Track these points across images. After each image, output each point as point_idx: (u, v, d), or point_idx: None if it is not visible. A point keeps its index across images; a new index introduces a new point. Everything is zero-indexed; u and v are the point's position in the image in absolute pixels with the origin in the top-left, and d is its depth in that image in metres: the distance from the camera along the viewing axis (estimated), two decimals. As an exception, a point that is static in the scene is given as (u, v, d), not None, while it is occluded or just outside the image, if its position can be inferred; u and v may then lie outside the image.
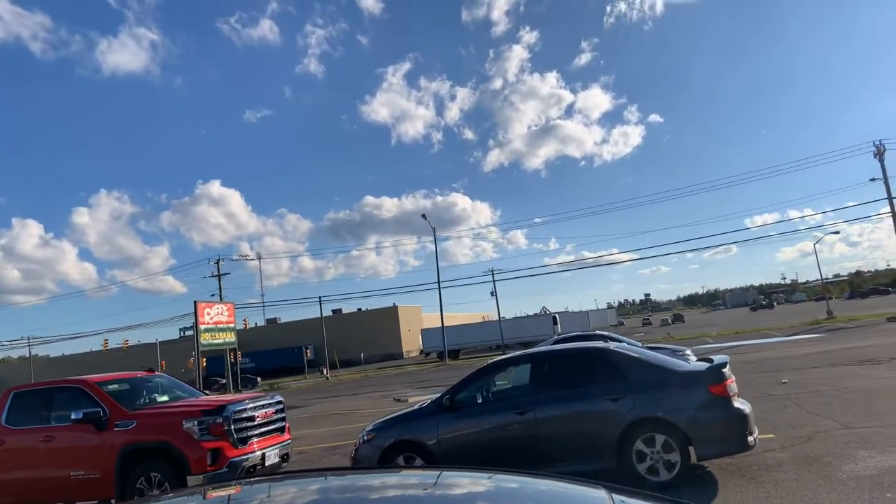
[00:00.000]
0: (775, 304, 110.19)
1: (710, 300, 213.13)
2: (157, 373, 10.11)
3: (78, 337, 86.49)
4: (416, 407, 8.10)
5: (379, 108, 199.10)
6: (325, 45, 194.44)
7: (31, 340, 71.74)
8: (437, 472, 1.70)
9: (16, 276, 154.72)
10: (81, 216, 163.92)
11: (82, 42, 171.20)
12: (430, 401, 7.89)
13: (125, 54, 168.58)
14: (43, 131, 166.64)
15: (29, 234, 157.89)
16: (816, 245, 60.18)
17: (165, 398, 9.04)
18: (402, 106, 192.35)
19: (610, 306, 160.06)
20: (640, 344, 13.43)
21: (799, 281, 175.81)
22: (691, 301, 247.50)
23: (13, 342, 71.09)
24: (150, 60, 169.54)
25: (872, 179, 41.07)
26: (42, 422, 8.31)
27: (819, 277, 67.53)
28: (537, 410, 6.94)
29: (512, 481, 1.57)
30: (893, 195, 39.76)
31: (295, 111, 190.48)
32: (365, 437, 7.64)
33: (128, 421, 7.78)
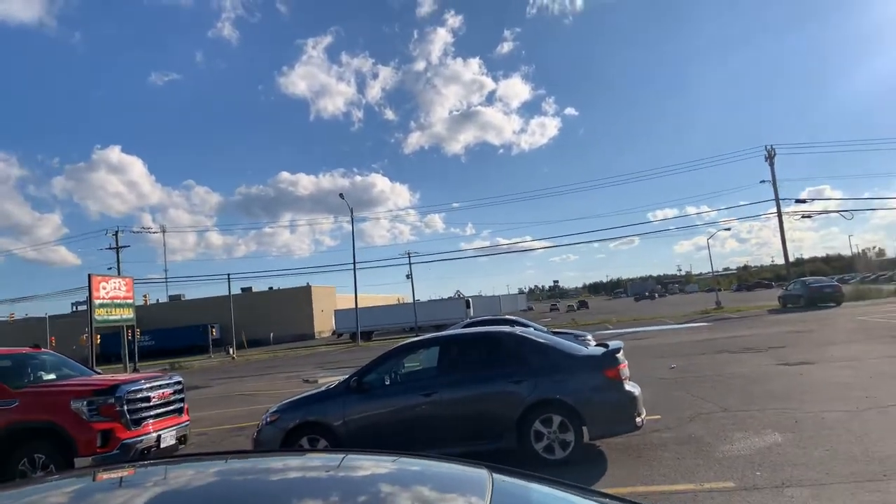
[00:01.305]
0: (656, 295, 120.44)
1: (612, 288, 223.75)
2: (44, 349, 9.47)
3: (-44, 309, 78.61)
4: (323, 388, 8.05)
5: (297, 81, 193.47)
6: (240, 9, 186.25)
7: None
8: (341, 456, 1.72)
9: None
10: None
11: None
12: (337, 382, 7.86)
13: (16, 2, 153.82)
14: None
15: None
16: (710, 240, 64.92)
17: (53, 376, 8.50)
18: (321, 80, 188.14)
19: (521, 291, 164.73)
20: (545, 329, 13.94)
21: (693, 272, 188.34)
22: (596, 289, 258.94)
23: None
24: (46, 12, 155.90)
25: (762, 181, 44.38)
26: None
27: (711, 270, 72.57)
28: (443, 392, 7.08)
29: (408, 463, 1.62)
30: (780, 197, 43.19)
31: (206, 77, 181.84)
32: (268, 419, 7.51)
33: (10, 400, 7.29)
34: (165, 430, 7.95)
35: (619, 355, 7.13)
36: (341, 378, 8.04)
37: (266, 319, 73.20)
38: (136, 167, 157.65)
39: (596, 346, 8.56)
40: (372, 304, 63.58)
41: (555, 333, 11.49)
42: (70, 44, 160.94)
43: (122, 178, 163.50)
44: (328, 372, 22.85)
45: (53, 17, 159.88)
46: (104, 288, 35.59)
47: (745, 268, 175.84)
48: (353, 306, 52.52)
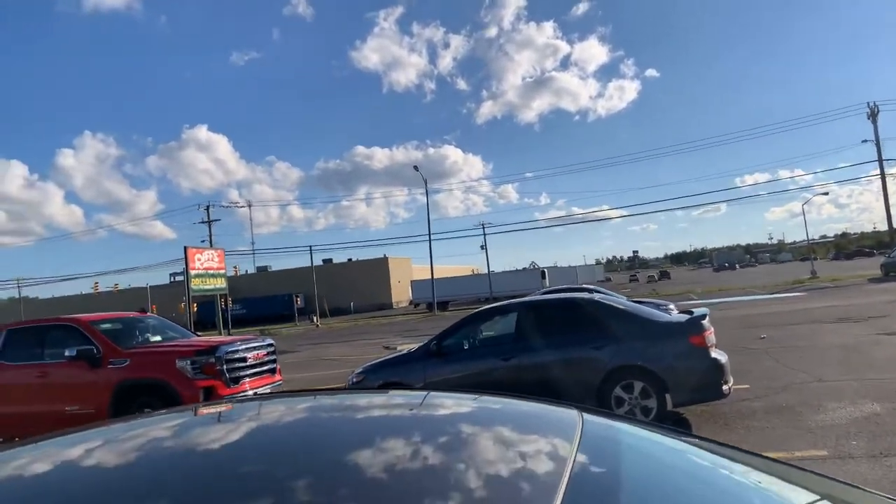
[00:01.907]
0: (737, 266, 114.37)
1: (697, 258, 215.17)
2: (149, 314, 10.24)
3: (68, 279, 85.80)
4: (404, 352, 8.29)
5: (370, 55, 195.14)
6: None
7: (20, 282, 71.49)
8: (425, 393, 1.79)
9: (1, 218, 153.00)
10: (66, 158, 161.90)
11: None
12: (418, 346, 8.07)
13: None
14: (23, 70, 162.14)
15: (13, 174, 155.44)
16: (805, 206, 60.69)
17: (158, 338, 9.20)
18: (393, 53, 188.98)
19: (598, 262, 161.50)
20: (624, 298, 13.64)
21: (786, 241, 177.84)
22: (679, 259, 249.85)
23: (2, 283, 70.73)
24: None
25: (864, 141, 41.17)
26: (36, 359, 8.44)
27: (805, 238, 68.23)
28: (522, 357, 7.14)
29: (493, 402, 1.66)
30: (884, 157, 39.93)
31: (283, 55, 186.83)
32: (354, 380, 7.84)
33: (122, 359, 7.95)
34: (261, 389, 8.47)
35: (705, 322, 6.92)
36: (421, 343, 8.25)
37: (346, 289, 75.51)
38: (222, 145, 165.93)
39: (679, 313, 8.33)
40: (447, 275, 64.19)
41: (634, 303, 11.24)
42: (157, 27, 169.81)
43: (210, 156, 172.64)
44: (407, 339, 23.40)
45: (140, 1, 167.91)
46: (199, 259, 37.82)
47: (844, 235, 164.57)
48: (429, 277, 53.27)
